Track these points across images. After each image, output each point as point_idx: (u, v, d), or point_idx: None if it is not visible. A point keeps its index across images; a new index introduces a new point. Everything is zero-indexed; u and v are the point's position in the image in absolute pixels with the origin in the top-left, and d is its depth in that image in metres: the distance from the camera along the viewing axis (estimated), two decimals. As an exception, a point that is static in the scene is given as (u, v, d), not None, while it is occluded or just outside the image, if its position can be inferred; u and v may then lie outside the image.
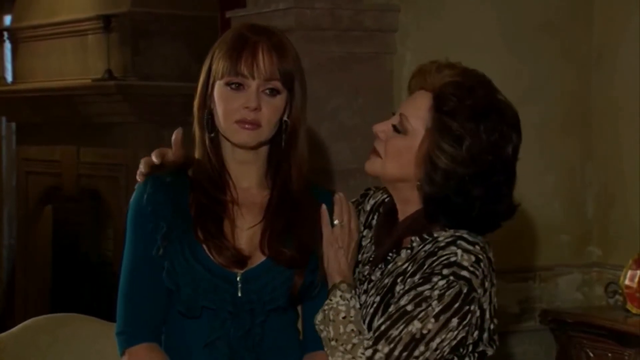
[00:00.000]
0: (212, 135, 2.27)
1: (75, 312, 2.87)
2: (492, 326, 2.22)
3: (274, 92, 2.22)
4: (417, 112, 2.22)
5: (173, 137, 2.33)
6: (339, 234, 2.28)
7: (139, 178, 2.29)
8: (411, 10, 3.88)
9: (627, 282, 3.81)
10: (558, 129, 4.10)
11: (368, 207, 2.45)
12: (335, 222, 2.29)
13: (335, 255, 2.26)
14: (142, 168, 2.29)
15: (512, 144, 2.22)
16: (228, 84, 2.22)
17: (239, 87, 2.21)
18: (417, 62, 2.40)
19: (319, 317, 2.23)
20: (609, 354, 3.71)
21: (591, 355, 3.78)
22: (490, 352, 2.24)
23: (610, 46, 4.07)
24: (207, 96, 2.26)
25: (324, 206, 2.29)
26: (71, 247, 7.51)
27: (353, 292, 2.24)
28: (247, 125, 2.21)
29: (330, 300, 2.23)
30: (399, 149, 2.24)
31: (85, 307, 5.74)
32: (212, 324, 2.21)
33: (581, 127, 4.12)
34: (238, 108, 2.21)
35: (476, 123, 2.17)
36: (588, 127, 4.13)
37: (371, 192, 2.47)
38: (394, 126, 2.26)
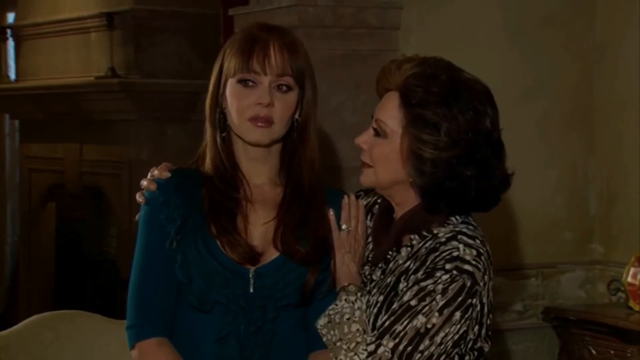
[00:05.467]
0: (224, 134, 2.27)
1: (77, 309, 2.87)
2: (488, 321, 2.23)
3: (286, 88, 2.23)
4: (390, 113, 2.24)
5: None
6: (345, 239, 2.28)
7: (151, 187, 2.27)
8: (413, 8, 3.88)
9: (629, 279, 3.81)
10: (560, 124, 4.10)
11: None
12: (343, 226, 2.29)
13: (342, 260, 2.27)
14: (147, 184, 2.27)
15: (489, 117, 2.22)
16: (240, 81, 2.22)
17: (251, 84, 2.22)
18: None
19: (323, 320, 2.23)
20: (612, 351, 3.71)
21: (593, 352, 3.78)
22: (487, 348, 2.25)
23: (613, 41, 4.07)
24: (219, 95, 2.27)
25: (331, 211, 2.29)
26: (74, 244, 7.51)
27: (359, 294, 2.24)
28: (260, 123, 2.21)
29: (336, 304, 2.23)
30: (384, 154, 2.25)
31: (87, 304, 5.76)
32: (223, 319, 2.21)
33: (583, 122, 4.13)
34: (250, 105, 2.21)
35: (448, 106, 2.18)
36: (590, 122, 4.13)
37: (362, 194, 2.48)
38: (375, 130, 2.27)
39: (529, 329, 4.05)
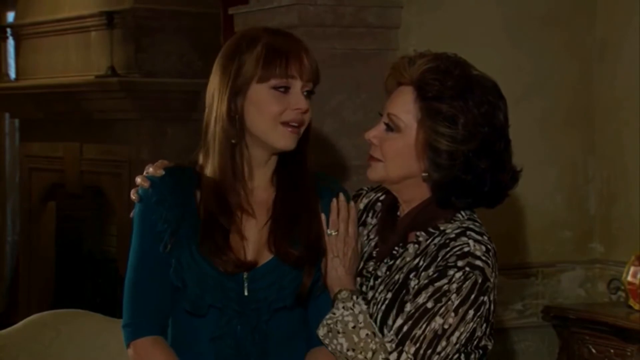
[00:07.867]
0: (234, 141, 2.24)
1: (78, 308, 2.87)
2: (493, 319, 2.24)
3: (310, 93, 2.25)
4: (404, 107, 2.24)
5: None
6: (334, 243, 2.28)
7: (144, 184, 2.27)
8: (413, 7, 3.88)
9: (629, 278, 3.81)
10: (560, 123, 4.10)
11: (361, 206, 2.45)
12: (329, 231, 2.28)
13: (331, 264, 2.27)
14: (141, 181, 2.27)
15: (502, 111, 2.25)
16: (276, 87, 2.21)
17: (285, 89, 2.21)
18: (420, 57, 2.40)
19: (322, 331, 2.22)
20: (611, 350, 3.71)
21: (593, 351, 3.78)
22: (490, 346, 2.26)
23: (613, 40, 4.07)
24: (236, 101, 2.22)
25: (322, 216, 2.29)
26: (74, 243, 7.52)
27: (354, 297, 2.23)
28: (292, 129, 2.22)
29: (334, 313, 2.22)
30: (396, 149, 2.25)
31: (88, 303, 5.75)
32: (219, 322, 2.21)
33: (583, 122, 4.13)
34: (286, 110, 2.21)
35: (464, 100, 2.20)
36: (590, 121, 4.13)
37: (364, 191, 2.48)
38: (387, 124, 2.27)
39: (529, 328, 4.05)
